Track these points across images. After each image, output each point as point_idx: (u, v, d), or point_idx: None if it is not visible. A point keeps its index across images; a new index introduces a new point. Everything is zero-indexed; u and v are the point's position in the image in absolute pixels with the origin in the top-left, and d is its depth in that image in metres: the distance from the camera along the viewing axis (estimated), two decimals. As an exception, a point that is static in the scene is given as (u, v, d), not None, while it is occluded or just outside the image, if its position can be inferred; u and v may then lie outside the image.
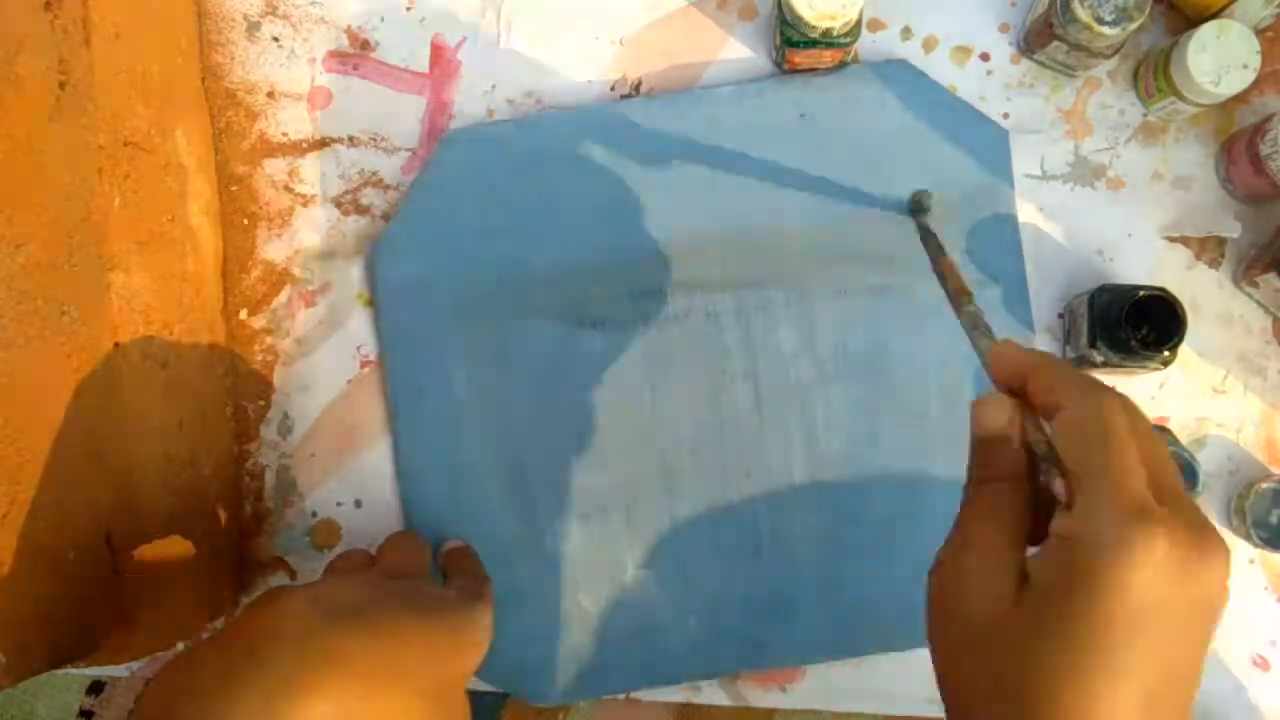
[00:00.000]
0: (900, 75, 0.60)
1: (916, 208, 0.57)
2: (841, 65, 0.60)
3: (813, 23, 0.54)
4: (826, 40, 0.56)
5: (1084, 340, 0.56)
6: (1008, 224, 0.59)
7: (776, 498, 0.58)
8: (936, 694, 0.58)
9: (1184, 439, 0.58)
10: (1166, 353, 0.54)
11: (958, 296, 0.47)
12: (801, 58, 0.58)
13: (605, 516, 0.59)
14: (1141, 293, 0.54)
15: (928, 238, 0.53)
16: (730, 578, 0.58)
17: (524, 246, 0.59)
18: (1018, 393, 0.38)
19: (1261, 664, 0.58)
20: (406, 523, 0.60)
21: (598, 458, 0.58)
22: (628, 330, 0.59)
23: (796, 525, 0.58)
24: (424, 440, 0.59)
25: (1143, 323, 0.54)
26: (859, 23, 0.56)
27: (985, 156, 0.59)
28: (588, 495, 0.59)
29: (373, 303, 0.61)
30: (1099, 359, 0.55)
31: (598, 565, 0.58)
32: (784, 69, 0.61)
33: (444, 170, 0.60)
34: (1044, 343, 0.60)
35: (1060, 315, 0.60)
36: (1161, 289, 0.54)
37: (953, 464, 0.58)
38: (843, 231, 0.59)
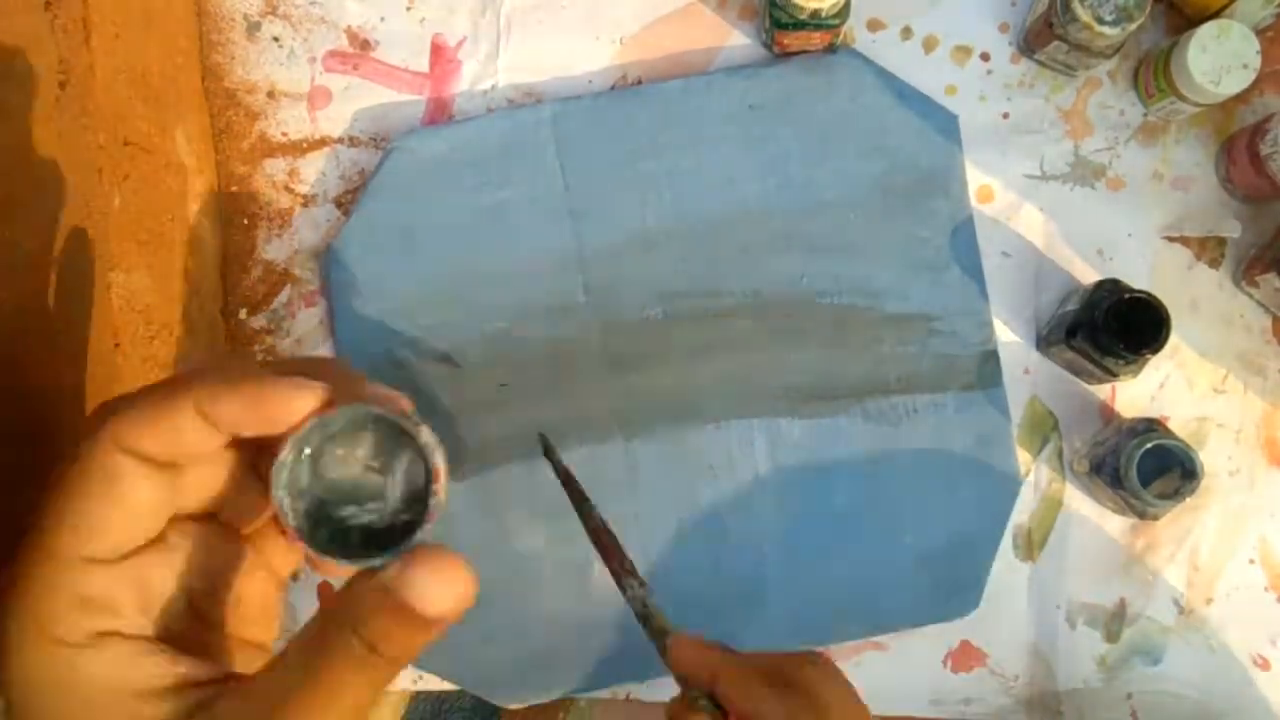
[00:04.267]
0: (849, 63, 0.60)
1: (546, 448, 0.50)
2: (830, 48, 0.60)
3: (801, 4, 0.54)
4: (815, 22, 0.56)
5: (1064, 329, 0.56)
6: (960, 207, 0.60)
7: (740, 491, 0.58)
8: (936, 694, 0.59)
9: (1184, 439, 0.58)
10: (1128, 364, 0.54)
11: (621, 576, 0.42)
12: (791, 40, 0.58)
13: (569, 514, 0.59)
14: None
15: (580, 500, 0.46)
16: (696, 572, 0.58)
17: (476, 246, 0.59)
18: (706, 688, 0.37)
19: (1262, 664, 0.58)
20: None
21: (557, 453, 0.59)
22: (583, 328, 0.59)
23: (761, 518, 0.58)
24: None
25: (1130, 330, 0.53)
26: (848, 3, 0.56)
27: (936, 140, 0.60)
28: (550, 493, 0.58)
29: (329, 304, 0.61)
30: (1067, 353, 0.55)
31: (563, 564, 0.58)
32: (774, 52, 0.61)
33: (397, 173, 0.60)
34: (1027, 333, 0.60)
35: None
36: (1147, 293, 0.53)
37: (915, 454, 0.58)
38: (796, 221, 0.59)
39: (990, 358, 0.59)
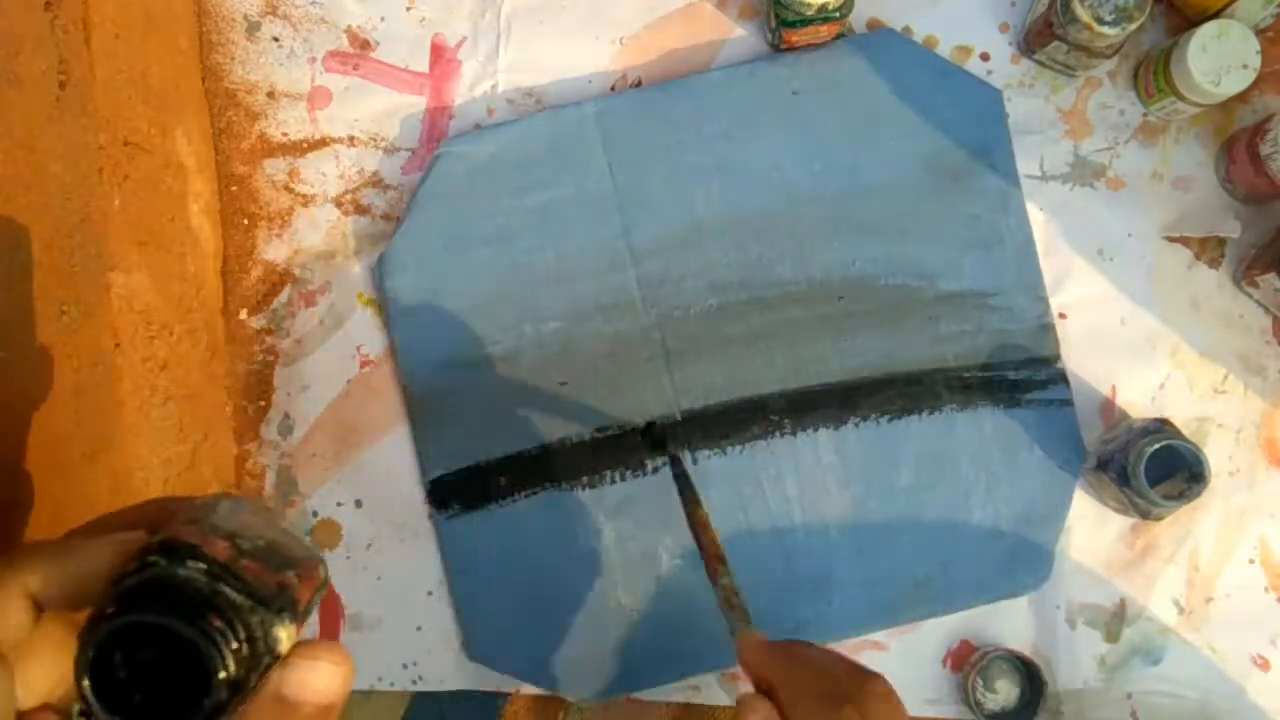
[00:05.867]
0: (889, 44, 0.60)
1: (655, 440, 0.58)
2: (836, 39, 0.60)
3: None
4: (823, 15, 0.56)
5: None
6: (1008, 181, 0.59)
7: (805, 475, 0.58)
8: (936, 694, 0.59)
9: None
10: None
11: (711, 564, 0.46)
12: (799, 36, 0.58)
13: (635, 508, 0.59)
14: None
15: (684, 487, 0.51)
16: (765, 559, 0.58)
17: (528, 246, 0.59)
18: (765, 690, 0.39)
19: (1262, 664, 0.58)
20: (435, 533, 0.60)
21: (622, 449, 0.59)
22: (639, 322, 0.59)
23: (827, 501, 0.58)
24: (446, 446, 0.59)
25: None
26: None
27: (980, 117, 0.60)
28: (615, 488, 0.59)
29: (382, 314, 0.61)
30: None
31: (632, 559, 0.59)
32: (782, 50, 0.61)
33: (445, 178, 0.60)
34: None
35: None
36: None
37: (977, 430, 0.58)
38: (845, 204, 0.59)
39: (1047, 330, 0.59)
